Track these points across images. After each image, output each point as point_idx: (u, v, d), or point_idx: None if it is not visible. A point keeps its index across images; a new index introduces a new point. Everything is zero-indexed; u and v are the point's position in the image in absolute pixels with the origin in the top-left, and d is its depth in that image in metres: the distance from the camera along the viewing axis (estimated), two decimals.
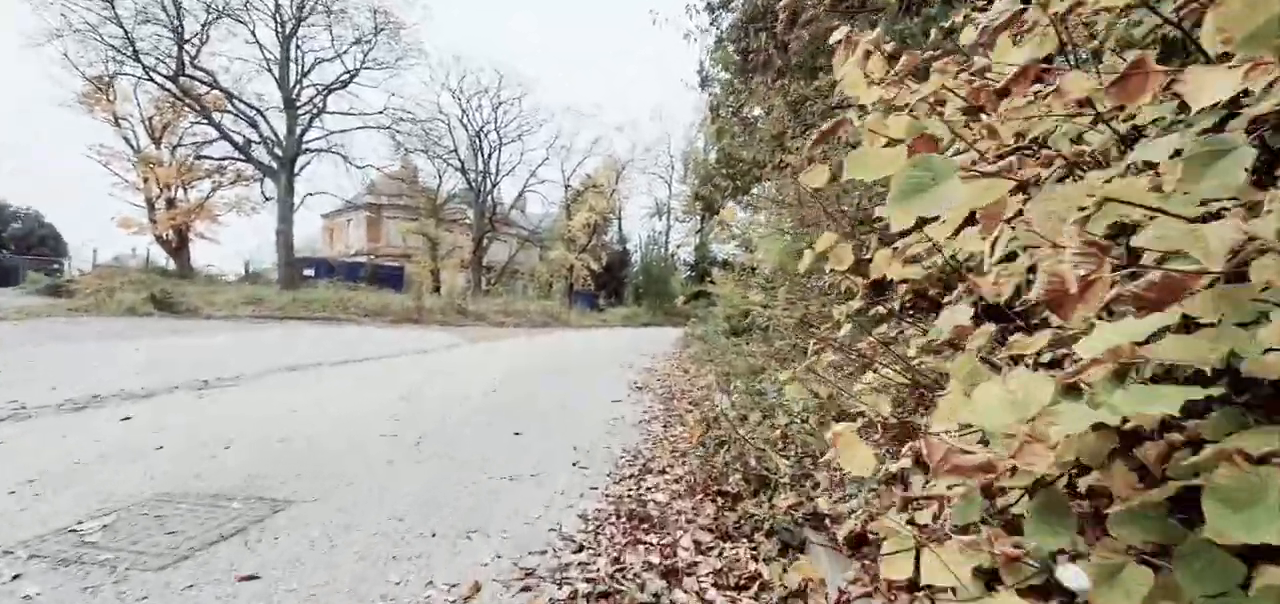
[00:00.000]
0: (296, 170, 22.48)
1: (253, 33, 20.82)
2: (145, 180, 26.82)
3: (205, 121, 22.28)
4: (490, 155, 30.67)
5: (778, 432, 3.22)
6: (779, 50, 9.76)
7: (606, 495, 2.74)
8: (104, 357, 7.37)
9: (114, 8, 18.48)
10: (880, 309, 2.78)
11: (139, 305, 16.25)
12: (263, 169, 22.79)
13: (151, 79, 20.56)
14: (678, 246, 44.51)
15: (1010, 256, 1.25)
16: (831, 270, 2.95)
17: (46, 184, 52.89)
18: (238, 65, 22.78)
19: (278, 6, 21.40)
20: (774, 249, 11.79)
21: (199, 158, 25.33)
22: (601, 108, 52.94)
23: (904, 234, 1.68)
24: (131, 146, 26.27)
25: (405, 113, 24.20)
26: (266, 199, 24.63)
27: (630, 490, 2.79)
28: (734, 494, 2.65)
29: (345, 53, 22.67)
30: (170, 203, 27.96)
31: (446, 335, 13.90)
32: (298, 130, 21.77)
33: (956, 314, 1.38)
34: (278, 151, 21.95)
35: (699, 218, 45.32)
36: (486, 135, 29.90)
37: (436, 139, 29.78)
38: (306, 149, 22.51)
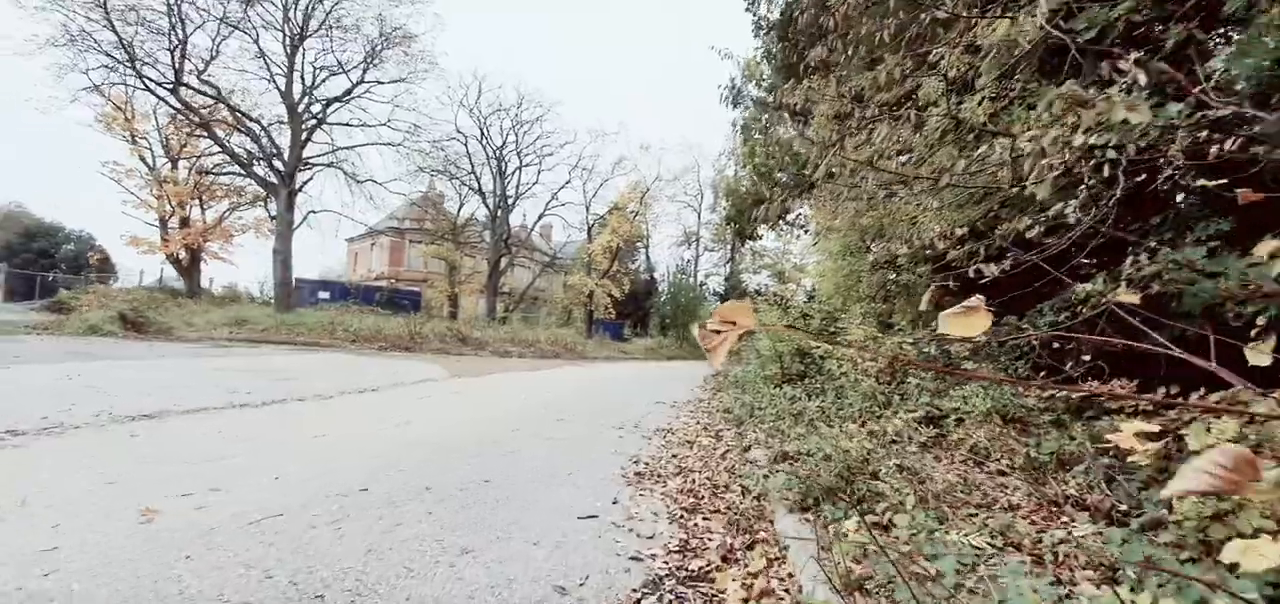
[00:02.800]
0: (297, 186, 21.02)
1: (257, 42, 19.61)
2: (159, 198, 26.13)
3: (205, 135, 21.11)
4: (510, 176, 29.00)
5: None
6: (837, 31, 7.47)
7: None
8: None
9: (108, 15, 17.44)
10: None
11: (103, 324, 14.62)
12: (263, 185, 21.45)
13: (149, 90, 19.47)
14: (707, 276, 42.16)
15: None
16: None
17: (77, 204, 54.19)
18: (243, 79, 21.76)
19: (286, 16, 20.26)
20: (830, 273, 9.09)
21: (201, 174, 24.37)
22: (625, 126, 51.05)
23: None
24: (147, 164, 25.63)
25: (414, 127, 22.64)
26: (272, 218, 23.35)
27: None
28: None
29: (352, 69, 21.37)
30: (184, 222, 27.20)
31: (431, 367, 11.65)
32: (299, 144, 20.33)
33: None
34: (278, 166, 20.54)
35: (729, 246, 42.94)
36: (506, 157, 28.26)
37: (454, 159, 28.34)
38: (308, 164, 21.06)
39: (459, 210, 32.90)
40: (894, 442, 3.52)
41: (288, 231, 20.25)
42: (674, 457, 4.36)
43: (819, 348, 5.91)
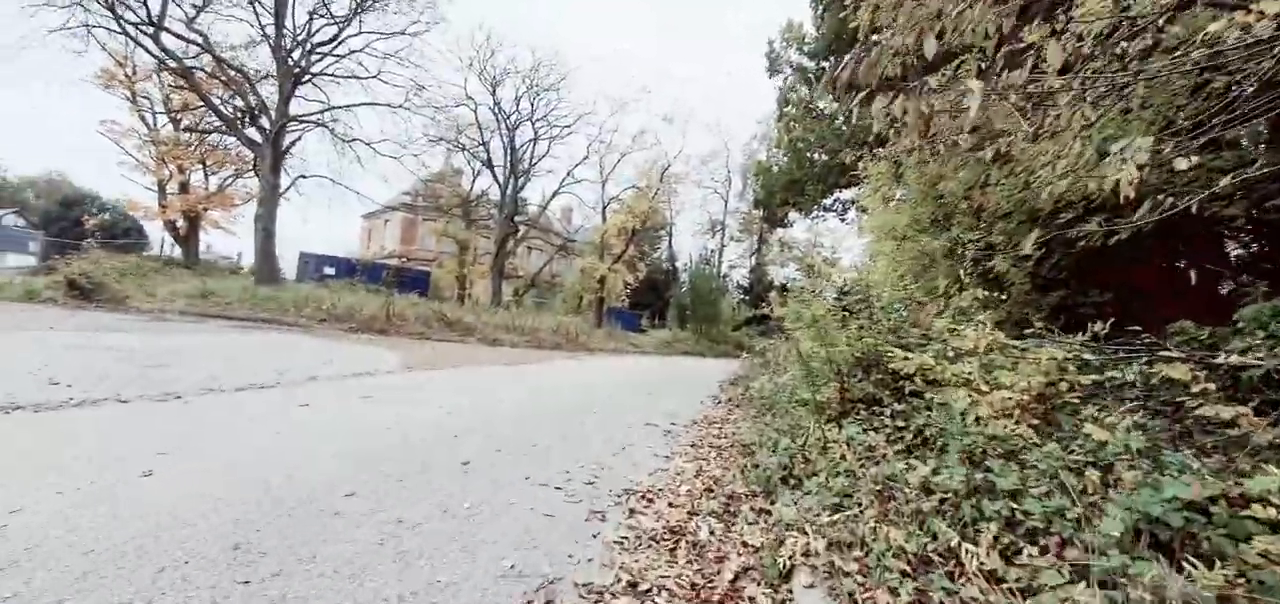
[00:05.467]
0: (284, 146, 19.24)
1: None
2: (158, 161, 24.88)
3: (185, 88, 19.46)
4: (522, 148, 26.83)
5: None
6: None
7: None
8: None
9: None
10: None
11: (42, 290, 13.03)
12: (248, 144, 19.74)
13: (125, 32, 17.81)
14: (731, 267, 39.72)
15: None
16: None
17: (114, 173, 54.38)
18: (236, 27, 20.07)
19: None
20: (887, 258, 6.88)
21: (187, 132, 22.96)
22: (648, 92, 47.76)
23: None
24: (146, 124, 24.40)
25: (417, 87, 20.60)
26: (257, 176, 21.71)
27: None
28: None
29: (342, 14, 19.10)
30: (184, 187, 26.00)
31: (387, 354, 9.57)
32: (285, 98, 18.48)
33: None
34: (264, 124, 18.76)
35: (756, 237, 40.13)
36: (518, 125, 26.07)
37: (462, 128, 26.30)
38: (297, 122, 19.21)
39: (472, 186, 31.02)
40: None
41: (272, 196, 18.49)
42: (630, 588, 2.05)
43: (906, 360, 3.49)
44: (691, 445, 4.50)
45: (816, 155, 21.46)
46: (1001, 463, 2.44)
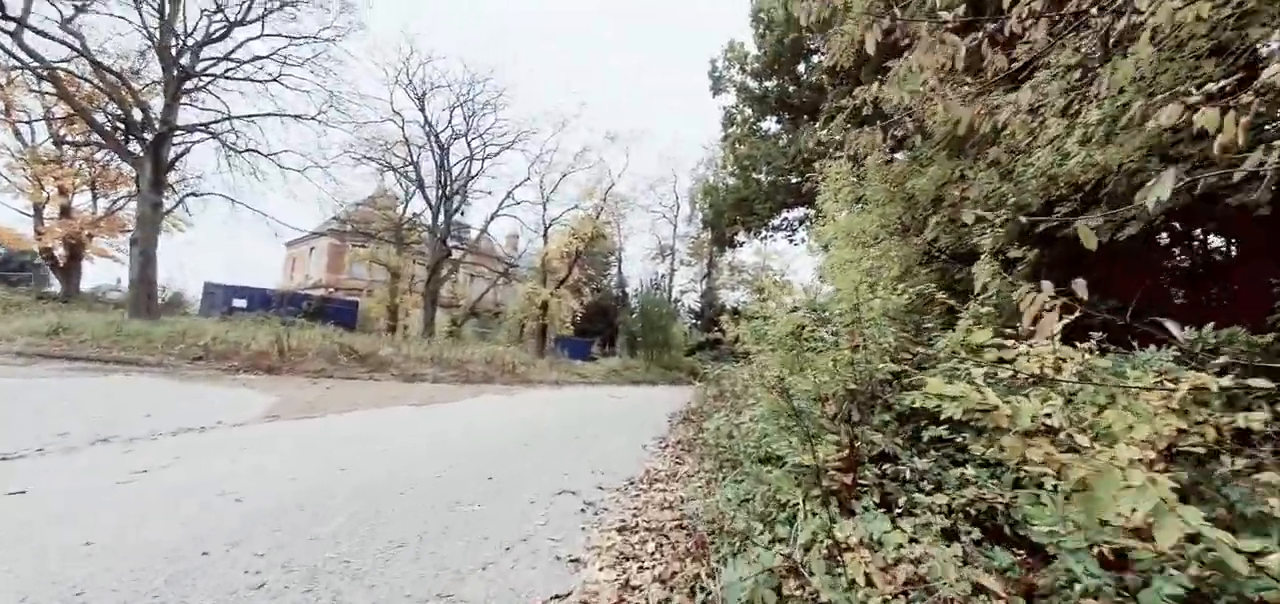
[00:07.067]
0: (170, 160, 16.76)
1: None
2: (38, 182, 21.54)
3: (54, 94, 16.75)
4: (457, 167, 25.03)
5: None
6: None
7: None
8: None
9: None
10: None
11: None
12: (129, 159, 17.13)
13: None
14: (682, 292, 38.85)
15: None
16: None
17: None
18: (117, 29, 17.56)
19: None
20: (849, 268, 5.73)
21: (64, 144, 20.00)
22: (587, 106, 46.77)
23: None
24: (21, 140, 21.09)
25: (330, 95, 18.57)
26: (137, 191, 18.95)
27: None
28: None
29: (243, 17, 16.79)
30: (65, 211, 22.67)
31: (257, 398, 7.64)
32: (170, 104, 16.06)
33: None
34: (147, 136, 16.24)
35: (706, 261, 39.48)
36: (449, 143, 24.29)
37: (390, 145, 24.27)
38: (182, 131, 16.73)
39: (404, 209, 28.77)
40: None
41: (153, 216, 15.91)
42: None
43: (951, 399, 2.22)
44: (619, 529, 3.05)
45: (763, 175, 20.90)
46: None
